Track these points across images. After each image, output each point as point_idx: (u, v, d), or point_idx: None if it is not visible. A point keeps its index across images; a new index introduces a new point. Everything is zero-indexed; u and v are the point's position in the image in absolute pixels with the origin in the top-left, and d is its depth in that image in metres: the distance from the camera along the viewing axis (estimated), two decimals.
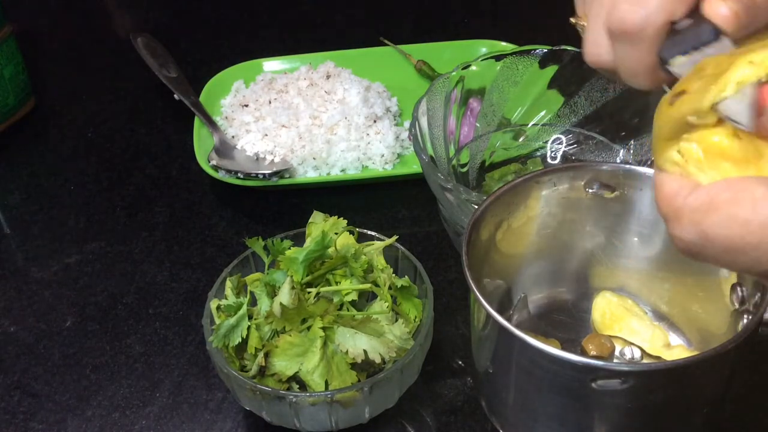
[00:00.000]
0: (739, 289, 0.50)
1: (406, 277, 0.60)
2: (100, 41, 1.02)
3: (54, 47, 1.01)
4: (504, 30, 0.97)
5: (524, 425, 0.50)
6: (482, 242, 0.53)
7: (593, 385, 0.43)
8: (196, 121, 0.81)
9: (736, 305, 0.50)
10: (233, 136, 0.81)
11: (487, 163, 0.71)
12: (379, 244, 0.60)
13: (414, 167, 0.79)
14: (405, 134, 0.81)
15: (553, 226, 0.57)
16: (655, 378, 0.44)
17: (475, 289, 0.46)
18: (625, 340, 0.57)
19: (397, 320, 0.57)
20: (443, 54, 0.89)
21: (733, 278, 0.50)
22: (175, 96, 0.85)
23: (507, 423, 0.52)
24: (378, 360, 0.54)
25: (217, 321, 0.56)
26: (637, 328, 0.57)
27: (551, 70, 0.70)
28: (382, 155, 0.78)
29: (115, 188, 0.80)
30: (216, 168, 0.76)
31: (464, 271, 0.47)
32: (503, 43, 0.89)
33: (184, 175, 0.81)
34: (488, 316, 0.46)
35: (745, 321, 0.49)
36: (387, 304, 0.57)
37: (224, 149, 0.78)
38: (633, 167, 0.55)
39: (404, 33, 0.96)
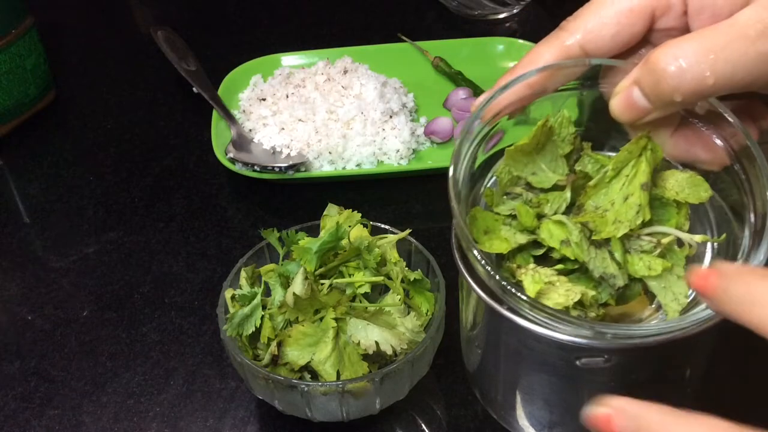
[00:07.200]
0: None
1: (418, 270, 0.60)
2: (120, 34, 1.03)
3: (75, 39, 1.02)
4: (521, 28, 0.97)
5: (513, 407, 0.51)
6: None
7: (577, 363, 0.44)
8: (214, 114, 0.82)
9: None
10: (250, 130, 0.81)
11: None
12: (392, 237, 0.61)
13: (429, 163, 0.79)
14: (420, 130, 0.81)
15: None
16: (636, 355, 0.45)
17: (464, 270, 0.47)
18: None
19: (409, 313, 0.57)
20: (460, 51, 0.89)
21: None
22: (194, 89, 0.86)
23: (497, 405, 0.53)
24: (389, 352, 0.54)
25: (232, 310, 0.57)
26: None
27: None
28: (398, 150, 0.78)
29: (133, 179, 0.81)
30: (233, 161, 0.77)
31: (454, 253, 0.48)
32: (520, 41, 0.89)
33: (202, 168, 0.82)
34: (478, 298, 0.47)
35: None
36: (399, 296, 0.58)
37: (241, 142, 0.79)
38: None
39: (422, 30, 0.96)
